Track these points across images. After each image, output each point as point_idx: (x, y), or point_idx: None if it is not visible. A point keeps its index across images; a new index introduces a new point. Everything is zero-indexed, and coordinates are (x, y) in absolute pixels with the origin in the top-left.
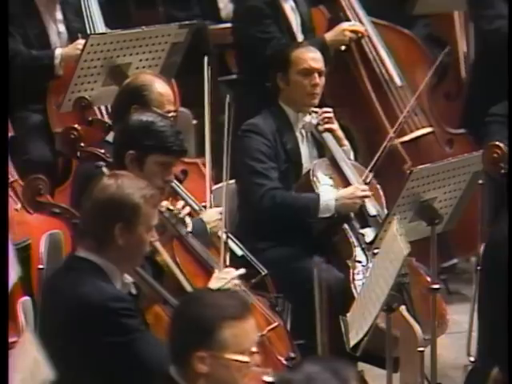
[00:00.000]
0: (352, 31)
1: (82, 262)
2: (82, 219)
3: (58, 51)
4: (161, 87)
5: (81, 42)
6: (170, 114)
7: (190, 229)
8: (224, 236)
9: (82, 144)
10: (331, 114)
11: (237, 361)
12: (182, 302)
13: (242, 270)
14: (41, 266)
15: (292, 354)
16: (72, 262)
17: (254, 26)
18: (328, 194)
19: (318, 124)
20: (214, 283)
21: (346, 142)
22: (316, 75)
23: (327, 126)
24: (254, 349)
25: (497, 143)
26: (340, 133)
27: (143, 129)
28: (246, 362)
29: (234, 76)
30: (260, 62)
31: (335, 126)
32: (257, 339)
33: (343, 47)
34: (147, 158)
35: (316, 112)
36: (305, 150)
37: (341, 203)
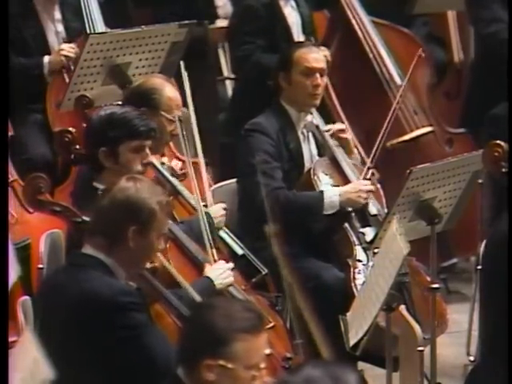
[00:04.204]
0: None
1: (89, 258)
2: (94, 217)
3: (46, 60)
4: (170, 92)
5: (64, 46)
6: (176, 120)
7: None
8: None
9: (77, 146)
10: (344, 126)
11: (244, 374)
12: (197, 307)
13: (231, 264)
14: (41, 266)
15: (288, 355)
16: (78, 259)
17: (245, 27)
18: (331, 189)
19: (331, 135)
20: (212, 272)
21: (355, 152)
22: (318, 75)
23: (341, 135)
24: (262, 365)
25: (497, 142)
26: (351, 144)
27: (105, 122)
28: (253, 377)
29: (234, 76)
30: (248, 67)
31: (348, 135)
32: (266, 355)
33: None
34: (119, 149)
35: (312, 113)
36: (306, 150)
37: (345, 198)
